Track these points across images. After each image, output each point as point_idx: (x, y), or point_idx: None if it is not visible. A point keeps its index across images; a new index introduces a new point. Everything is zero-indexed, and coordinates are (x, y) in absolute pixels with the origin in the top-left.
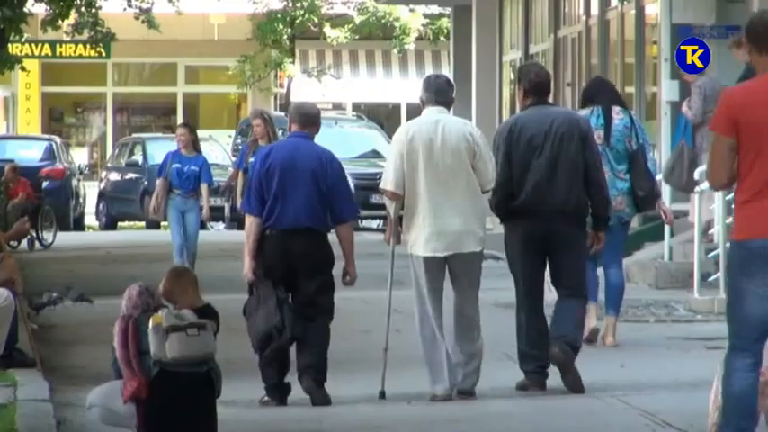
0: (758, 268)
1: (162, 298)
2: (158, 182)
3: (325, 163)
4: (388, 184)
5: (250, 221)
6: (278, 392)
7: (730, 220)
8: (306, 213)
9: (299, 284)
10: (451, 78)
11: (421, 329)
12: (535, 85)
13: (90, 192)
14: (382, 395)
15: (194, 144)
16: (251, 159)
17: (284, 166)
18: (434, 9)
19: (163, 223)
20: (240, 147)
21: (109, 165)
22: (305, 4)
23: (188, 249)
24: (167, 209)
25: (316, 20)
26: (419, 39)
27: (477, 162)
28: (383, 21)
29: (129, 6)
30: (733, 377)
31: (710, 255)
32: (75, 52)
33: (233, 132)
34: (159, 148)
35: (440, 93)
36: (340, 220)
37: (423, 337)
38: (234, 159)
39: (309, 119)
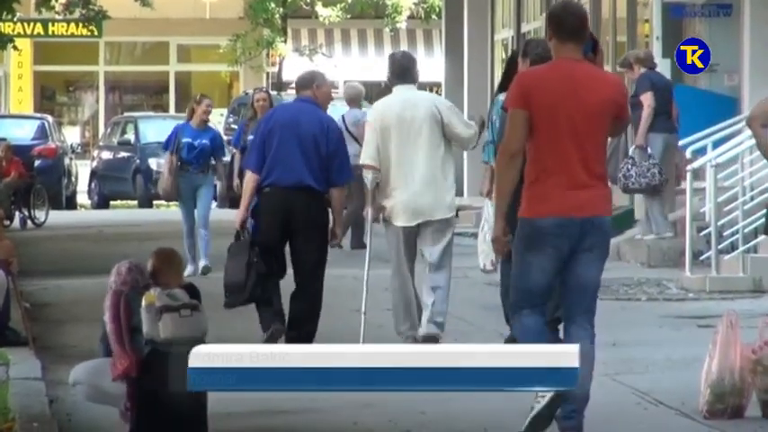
0: (541, 243)
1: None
2: (166, 158)
3: (327, 129)
4: (366, 158)
5: (249, 176)
6: (272, 321)
7: (722, 198)
8: (307, 173)
9: (296, 242)
10: (444, 55)
11: (393, 280)
12: (542, 60)
13: (82, 170)
14: None
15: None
16: (249, 137)
17: (286, 125)
18: None
19: (156, 201)
20: (233, 125)
21: (101, 143)
22: None
23: (199, 222)
24: (179, 187)
25: None
26: (411, 17)
27: (449, 129)
28: None
29: None
30: (522, 322)
31: (702, 233)
32: (67, 31)
33: (225, 111)
34: (151, 127)
35: (404, 72)
36: (335, 183)
37: (393, 288)
38: (226, 138)
39: (300, 81)
